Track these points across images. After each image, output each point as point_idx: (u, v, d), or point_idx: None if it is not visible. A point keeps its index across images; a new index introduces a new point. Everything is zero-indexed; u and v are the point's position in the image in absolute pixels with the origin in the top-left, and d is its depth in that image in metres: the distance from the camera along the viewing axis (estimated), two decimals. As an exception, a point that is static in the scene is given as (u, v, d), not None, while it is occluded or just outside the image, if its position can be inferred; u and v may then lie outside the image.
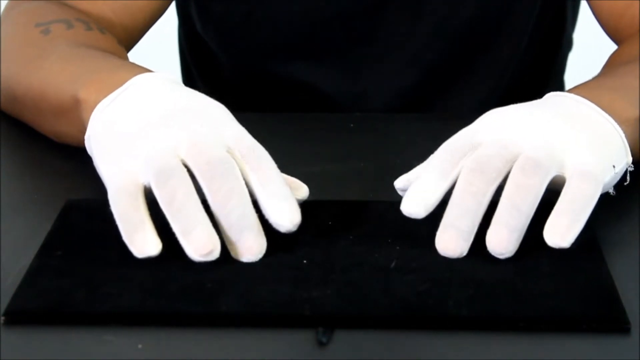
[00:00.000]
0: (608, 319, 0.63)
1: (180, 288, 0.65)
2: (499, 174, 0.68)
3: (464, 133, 0.72)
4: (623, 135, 0.73)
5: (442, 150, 0.71)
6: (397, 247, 0.69)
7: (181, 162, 0.68)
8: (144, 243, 0.66)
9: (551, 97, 0.76)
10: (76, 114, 0.78)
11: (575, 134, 0.71)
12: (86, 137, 0.75)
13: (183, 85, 0.76)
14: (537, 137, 0.70)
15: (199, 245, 0.65)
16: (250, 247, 0.67)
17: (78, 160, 0.77)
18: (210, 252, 0.65)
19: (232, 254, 0.67)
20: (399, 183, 0.73)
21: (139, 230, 0.66)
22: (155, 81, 0.75)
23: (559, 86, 1.19)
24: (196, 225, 0.65)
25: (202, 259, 0.65)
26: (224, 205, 0.66)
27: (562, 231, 0.66)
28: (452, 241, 0.67)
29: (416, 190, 0.69)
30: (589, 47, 1.41)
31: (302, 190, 0.72)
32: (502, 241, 0.66)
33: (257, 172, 0.69)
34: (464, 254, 0.67)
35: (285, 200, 0.68)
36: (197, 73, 1.17)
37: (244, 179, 0.68)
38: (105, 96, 0.74)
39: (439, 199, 0.69)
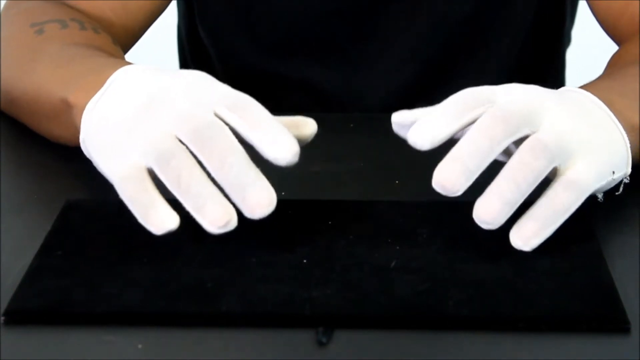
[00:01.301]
0: (608, 319, 0.63)
1: (180, 288, 0.65)
2: (517, 130, 0.67)
3: (483, 87, 0.71)
4: (629, 145, 0.73)
5: (459, 94, 0.69)
6: (397, 247, 0.69)
7: (176, 138, 0.67)
8: (160, 219, 0.65)
9: (567, 91, 0.75)
10: (69, 118, 0.78)
11: (586, 131, 0.70)
12: (81, 140, 0.75)
13: (164, 69, 0.75)
14: (555, 118, 0.69)
15: (215, 217, 0.65)
16: (259, 201, 0.65)
17: (78, 160, 0.77)
18: (228, 223, 0.65)
19: (245, 213, 0.65)
20: (397, 117, 0.72)
21: (153, 208, 0.66)
22: (136, 71, 0.74)
23: (559, 82, 1.19)
24: (207, 199, 0.65)
25: (221, 231, 0.65)
26: (221, 166, 0.66)
27: (528, 235, 0.66)
28: (454, 174, 0.65)
29: (426, 122, 0.68)
30: (589, 44, 1.41)
31: (310, 125, 0.71)
32: (492, 211, 0.65)
33: (247, 118, 0.68)
34: (459, 193, 0.66)
35: (279, 134, 0.67)
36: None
37: (237, 131, 0.68)
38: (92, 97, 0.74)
39: (447, 136, 0.68)
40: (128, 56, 0.93)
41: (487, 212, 0.66)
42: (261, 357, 0.61)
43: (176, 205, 0.66)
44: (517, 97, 0.70)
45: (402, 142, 0.87)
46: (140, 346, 0.61)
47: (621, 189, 0.74)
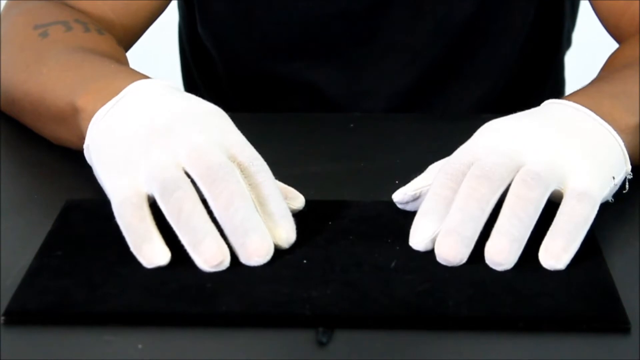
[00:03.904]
0: (608, 319, 0.63)
1: (180, 288, 0.65)
2: (502, 182, 0.68)
3: (463, 151, 0.71)
4: (623, 144, 0.73)
5: (443, 175, 0.70)
6: (397, 247, 0.69)
7: (183, 170, 0.68)
8: (152, 254, 0.66)
9: (550, 104, 0.76)
10: (75, 122, 0.78)
11: (575, 148, 0.71)
12: (85, 146, 0.75)
13: (181, 90, 0.76)
14: (538, 150, 0.70)
15: (209, 256, 0.65)
16: (257, 249, 0.66)
17: (78, 160, 0.77)
18: (221, 263, 0.66)
19: (241, 259, 0.67)
20: (396, 197, 0.73)
21: (147, 241, 0.66)
22: (152, 88, 0.74)
23: (558, 84, 1.19)
24: (205, 237, 0.65)
25: (213, 270, 0.66)
26: (227, 208, 0.66)
27: (557, 253, 0.66)
28: (453, 247, 0.66)
29: (421, 225, 0.68)
30: (590, 46, 1.41)
31: (298, 201, 0.72)
32: (503, 251, 0.66)
33: (256, 188, 0.69)
34: (464, 261, 0.66)
35: (282, 220, 0.68)
36: (197, 74, 1.17)
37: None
38: (102, 104, 0.74)
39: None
40: (128, 56, 0.93)
41: (498, 253, 0.66)
42: (261, 357, 0.61)
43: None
44: (499, 143, 0.71)
45: (402, 142, 0.88)
46: (140, 346, 0.61)
47: (627, 186, 0.74)
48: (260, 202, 0.68)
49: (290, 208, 0.70)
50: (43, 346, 0.62)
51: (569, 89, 1.19)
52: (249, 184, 0.69)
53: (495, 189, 0.68)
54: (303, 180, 0.74)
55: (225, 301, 0.64)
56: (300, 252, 0.68)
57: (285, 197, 0.71)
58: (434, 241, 0.68)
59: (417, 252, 0.68)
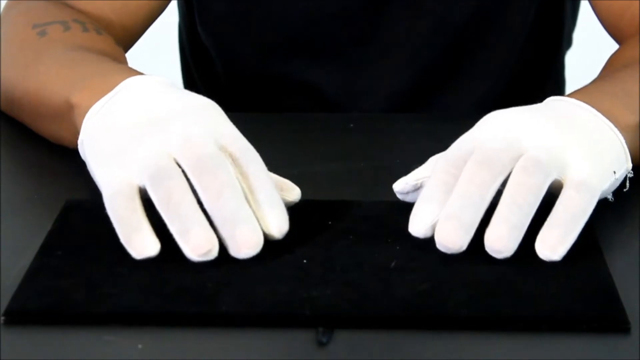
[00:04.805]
0: (608, 319, 0.63)
1: (180, 288, 0.65)
2: (503, 168, 0.68)
3: (464, 139, 0.71)
4: (623, 141, 0.73)
5: (444, 161, 0.70)
6: (397, 247, 0.69)
7: (174, 161, 0.68)
8: (142, 244, 0.66)
9: (552, 101, 0.76)
10: (70, 119, 0.78)
11: (576, 139, 0.71)
12: (79, 142, 0.75)
13: (176, 86, 0.76)
14: (540, 138, 0.70)
15: (197, 244, 0.65)
16: (247, 241, 0.66)
17: (78, 160, 0.77)
18: (209, 252, 0.65)
19: (231, 251, 0.66)
20: (397, 186, 0.73)
21: (137, 232, 0.66)
22: (146, 83, 0.75)
23: (559, 84, 1.19)
24: (193, 225, 0.65)
25: (200, 259, 0.65)
26: (217, 199, 0.66)
27: (553, 244, 0.66)
28: (453, 233, 0.66)
29: (421, 210, 0.68)
30: (591, 46, 1.41)
31: (294, 193, 0.72)
32: (502, 238, 0.65)
33: (247, 178, 0.68)
34: (463, 248, 0.66)
35: (273, 209, 0.68)
36: (197, 74, 1.17)
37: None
38: (97, 100, 0.74)
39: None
40: (128, 56, 0.93)
41: (497, 240, 0.66)
42: (261, 357, 0.61)
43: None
44: (500, 130, 0.71)
45: (402, 142, 0.88)
46: (140, 346, 0.61)
47: (627, 184, 0.74)
48: (252, 192, 0.68)
49: (286, 200, 0.70)
50: (43, 346, 0.62)
51: (569, 89, 1.19)
52: (240, 174, 0.68)
53: (496, 174, 0.67)
54: (303, 180, 0.74)
55: (225, 301, 0.64)
56: (300, 252, 0.68)
57: (281, 189, 0.70)
58: (433, 228, 0.67)
59: (417, 252, 0.68)
